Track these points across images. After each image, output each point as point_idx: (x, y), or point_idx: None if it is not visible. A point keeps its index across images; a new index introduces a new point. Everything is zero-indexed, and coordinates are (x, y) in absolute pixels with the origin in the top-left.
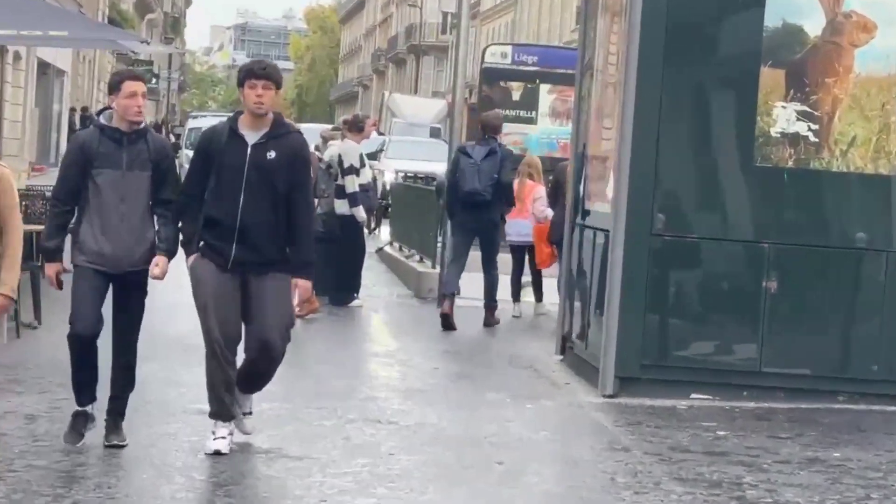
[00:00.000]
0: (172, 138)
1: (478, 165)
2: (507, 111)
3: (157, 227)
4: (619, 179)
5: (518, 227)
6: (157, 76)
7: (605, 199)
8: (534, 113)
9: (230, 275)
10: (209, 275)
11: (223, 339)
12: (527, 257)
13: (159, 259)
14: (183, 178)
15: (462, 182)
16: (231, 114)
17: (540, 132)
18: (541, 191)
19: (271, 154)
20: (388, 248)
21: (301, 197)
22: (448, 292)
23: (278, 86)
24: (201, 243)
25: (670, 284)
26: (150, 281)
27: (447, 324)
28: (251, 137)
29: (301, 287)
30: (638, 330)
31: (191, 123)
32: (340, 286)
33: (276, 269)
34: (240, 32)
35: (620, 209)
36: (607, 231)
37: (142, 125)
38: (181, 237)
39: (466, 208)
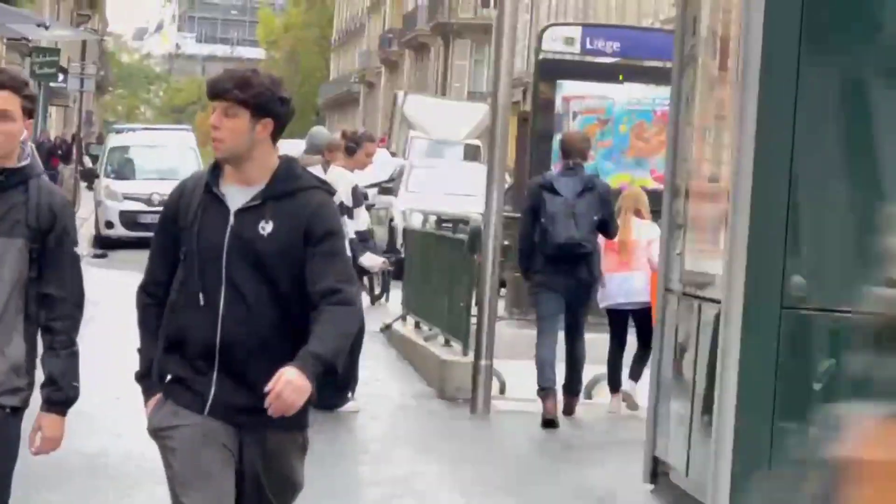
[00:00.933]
0: (88, 162)
1: (571, 206)
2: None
3: (41, 352)
4: (736, 225)
5: (622, 283)
6: (64, 72)
7: (716, 254)
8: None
9: (215, 425)
10: (186, 435)
11: None
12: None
13: (44, 421)
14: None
15: (553, 230)
16: (179, 128)
17: (628, 96)
18: (654, 230)
19: (266, 226)
20: (398, 326)
21: (332, 281)
22: (548, 386)
23: (257, 108)
24: (167, 377)
25: (812, 381)
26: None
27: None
28: (236, 198)
29: (285, 386)
30: (763, 448)
31: (113, 140)
32: (327, 381)
33: (281, 425)
34: (187, 6)
35: (737, 269)
36: (718, 302)
37: (21, 163)
38: (139, 365)
39: (559, 265)
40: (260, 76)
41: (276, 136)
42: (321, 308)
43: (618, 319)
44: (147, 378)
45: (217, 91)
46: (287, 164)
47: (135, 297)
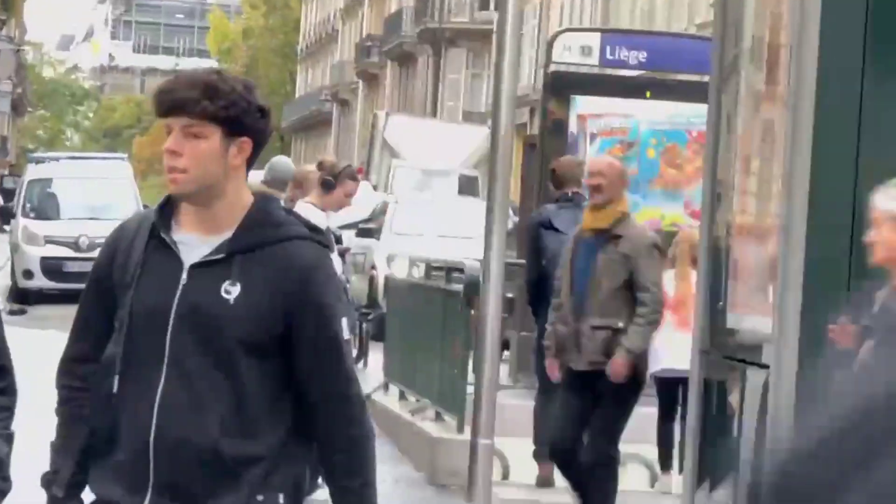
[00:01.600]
0: (0, 199)
1: None
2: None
3: None
4: (786, 274)
5: (680, 345)
6: None
7: (764, 309)
8: None
9: None
10: None
11: None
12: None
13: None
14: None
15: (554, 271)
16: (112, 157)
17: (656, 113)
18: None
19: (231, 289)
20: (378, 396)
21: (328, 385)
22: (546, 452)
23: (232, 125)
24: (92, 496)
25: None
26: None
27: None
28: (192, 249)
29: None
30: None
31: (33, 172)
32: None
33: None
34: (122, 9)
35: (789, 328)
36: (766, 367)
37: None
38: (49, 464)
39: None
40: (228, 80)
41: (251, 162)
42: (336, 460)
43: (669, 388)
44: (54, 481)
45: (175, 103)
46: (263, 203)
47: (54, 377)
